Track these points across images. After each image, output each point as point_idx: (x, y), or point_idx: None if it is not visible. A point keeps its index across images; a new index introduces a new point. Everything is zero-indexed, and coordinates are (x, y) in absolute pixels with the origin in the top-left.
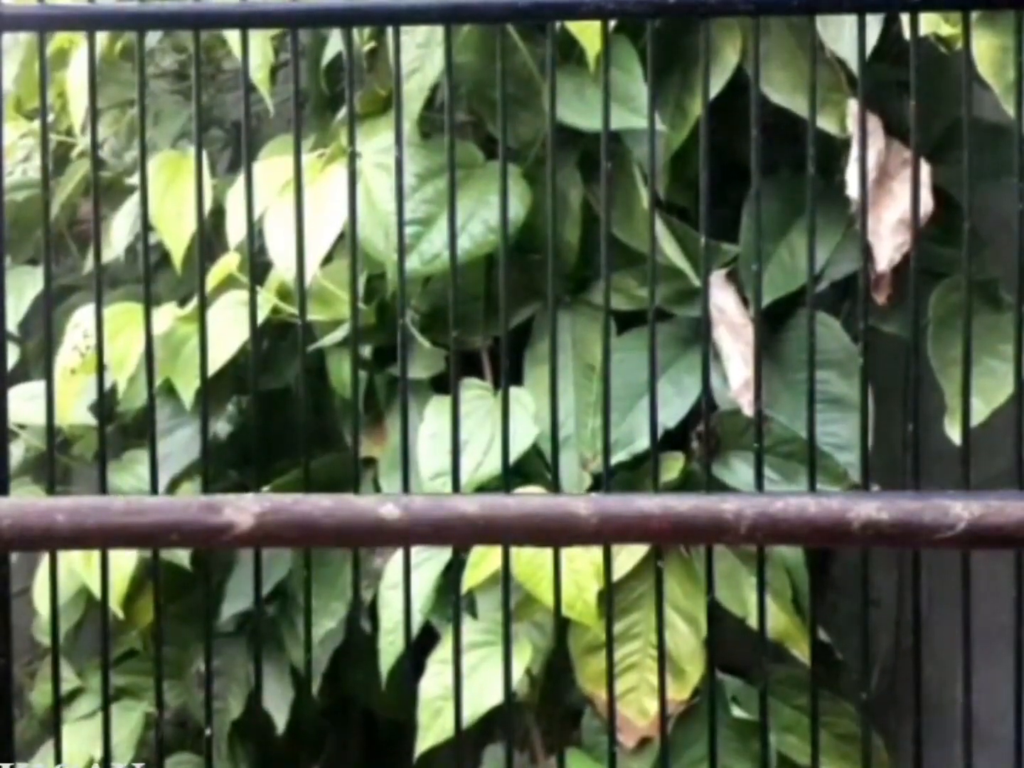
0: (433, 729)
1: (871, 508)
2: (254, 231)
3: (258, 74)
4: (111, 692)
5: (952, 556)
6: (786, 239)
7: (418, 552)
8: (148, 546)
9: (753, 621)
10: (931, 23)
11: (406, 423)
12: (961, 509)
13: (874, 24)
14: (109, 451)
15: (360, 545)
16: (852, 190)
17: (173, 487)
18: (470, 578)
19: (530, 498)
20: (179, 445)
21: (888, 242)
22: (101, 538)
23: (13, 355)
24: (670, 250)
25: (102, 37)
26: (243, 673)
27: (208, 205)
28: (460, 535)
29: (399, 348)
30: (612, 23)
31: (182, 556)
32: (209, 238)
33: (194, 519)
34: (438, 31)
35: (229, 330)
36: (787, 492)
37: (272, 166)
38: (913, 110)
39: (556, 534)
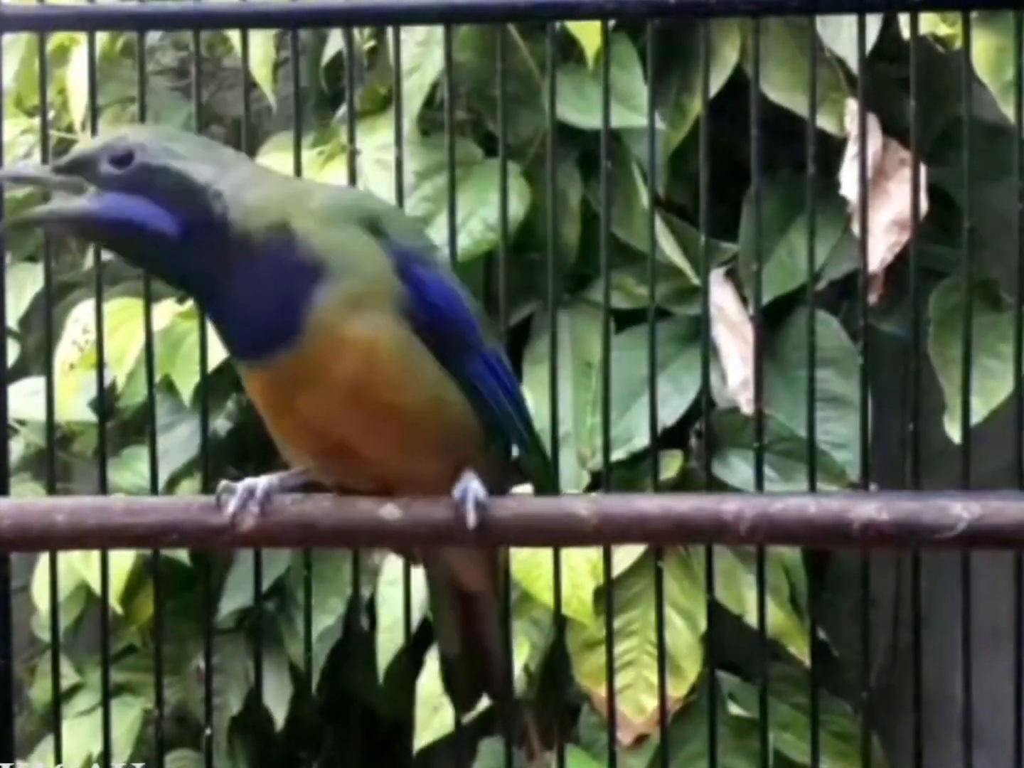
0: (431, 725)
1: (871, 509)
2: None
3: (259, 71)
4: (110, 688)
5: (950, 554)
6: (785, 238)
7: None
8: (148, 546)
9: (750, 619)
10: (929, 23)
11: None
12: (961, 509)
13: (873, 23)
14: (109, 447)
15: (360, 546)
16: (847, 189)
17: (172, 484)
18: None
19: (530, 499)
20: (178, 442)
21: (881, 242)
22: (101, 538)
23: (13, 351)
24: (669, 248)
25: (103, 34)
26: (242, 669)
27: None
28: (459, 535)
29: None
30: (612, 22)
31: (182, 553)
32: None
33: (194, 519)
34: (438, 29)
35: None
36: (786, 492)
37: (272, 163)
38: (913, 110)
39: (556, 535)
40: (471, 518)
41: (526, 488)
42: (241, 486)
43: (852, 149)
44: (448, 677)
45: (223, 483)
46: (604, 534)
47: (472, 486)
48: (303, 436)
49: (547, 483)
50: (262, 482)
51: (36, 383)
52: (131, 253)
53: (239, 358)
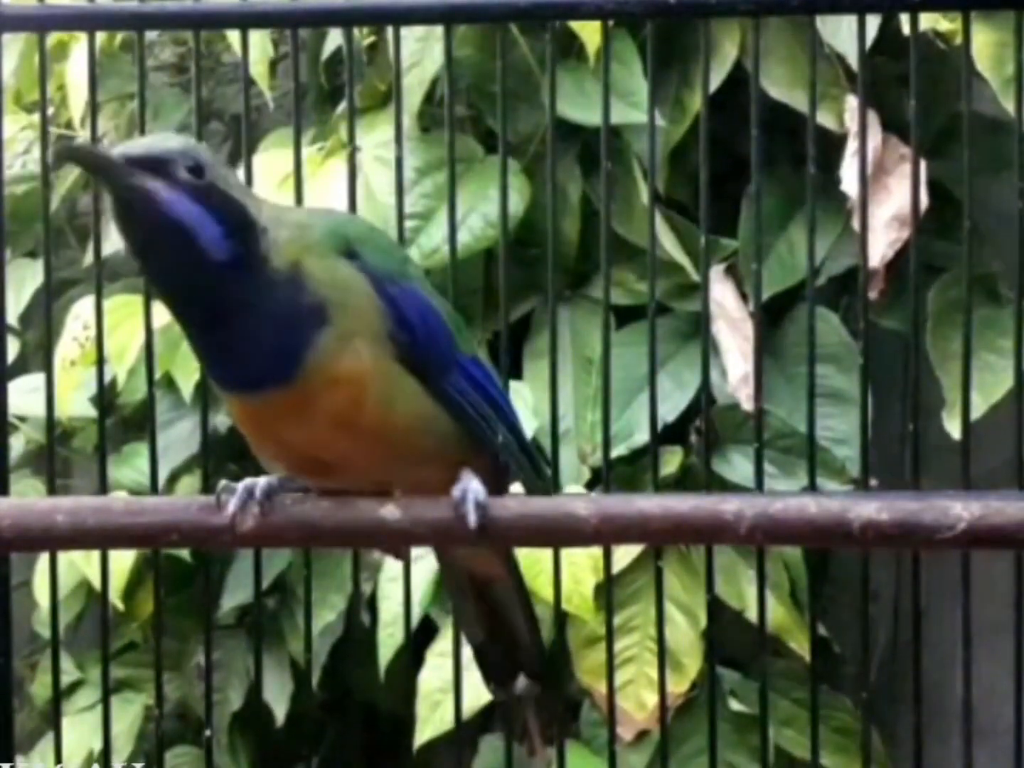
0: (432, 721)
1: (871, 509)
2: None
3: (257, 68)
4: (111, 684)
5: (950, 552)
6: (785, 234)
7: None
8: (148, 546)
9: (751, 615)
10: (930, 19)
11: None
12: (961, 509)
13: (873, 20)
14: (109, 444)
15: (360, 546)
16: (847, 185)
17: (173, 480)
18: None
19: (530, 499)
20: (179, 438)
21: (881, 238)
22: (101, 538)
23: (13, 348)
24: (669, 245)
25: (102, 32)
26: (243, 666)
27: None
28: (459, 535)
29: None
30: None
31: (182, 550)
32: None
33: (194, 519)
34: (437, 27)
35: None
36: (787, 491)
37: (272, 159)
38: (913, 109)
39: (556, 535)
40: (472, 518)
41: None
42: (241, 486)
43: (852, 145)
44: (480, 661)
45: (223, 483)
46: (604, 534)
47: (472, 486)
48: (287, 458)
49: (535, 483)
50: (262, 482)
51: (36, 379)
52: (161, 259)
53: (224, 389)
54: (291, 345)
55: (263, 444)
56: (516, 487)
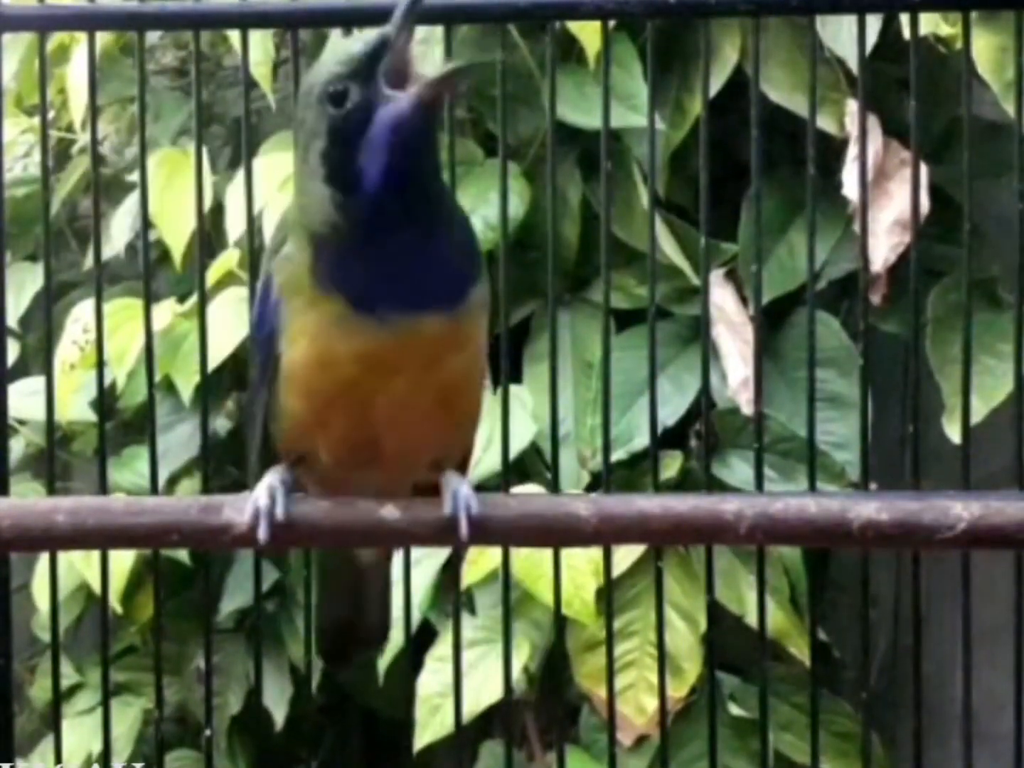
0: (431, 726)
1: (871, 509)
2: (254, 227)
3: (259, 70)
4: (111, 688)
5: (950, 553)
6: (785, 238)
7: (417, 548)
8: (148, 547)
9: (751, 619)
10: (930, 23)
11: None
12: (961, 509)
13: (873, 23)
14: (109, 447)
15: (360, 546)
16: (848, 190)
17: (172, 483)
18: (469, 575)
19: (531, 498)
20: (178, 441)
21: (884, 242)
22: (101, 538)
23: (13, 351)
24: (669, 248)
25: (103, 33)
26: (242, 669)
27: (208, 202)
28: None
29: None
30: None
31: (182, 552)
32: (209, 234)
33: (194, 520)
34: (438, 26)
35: (229, 326)
36: (786, 492)
37: (272, 162)
38: (914, 111)
39: (556, 535)
40: (464, 532)
41: (526, 488)
42: (259, 492)
43: (853, 149)
44: (332, 638)
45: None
46: (604, 534)
47: (462, 492)
48: (341, 436)
49: None
50: (273, 483)
51: (36, 382)
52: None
53: (376, 309)
54: (465, 282)
55: (328, 411)
56: (517, 488)
